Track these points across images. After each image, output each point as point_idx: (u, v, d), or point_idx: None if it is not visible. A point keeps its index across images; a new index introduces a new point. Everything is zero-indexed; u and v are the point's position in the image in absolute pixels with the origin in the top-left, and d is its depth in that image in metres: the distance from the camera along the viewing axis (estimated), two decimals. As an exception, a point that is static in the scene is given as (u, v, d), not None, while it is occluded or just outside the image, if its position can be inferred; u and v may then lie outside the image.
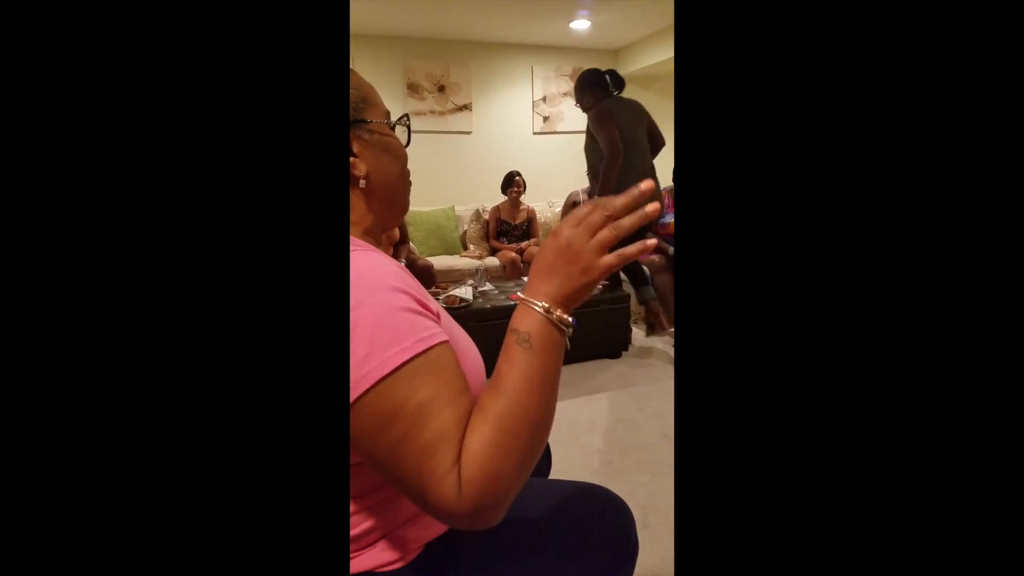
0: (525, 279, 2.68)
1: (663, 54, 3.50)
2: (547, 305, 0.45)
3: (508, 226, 3.50)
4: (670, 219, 2.83)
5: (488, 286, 2.50)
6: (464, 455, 0.41)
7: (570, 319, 0.46)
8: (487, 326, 2.11)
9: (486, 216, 3.61)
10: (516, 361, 0.44)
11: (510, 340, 0.46)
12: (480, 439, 0.42)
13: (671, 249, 2.75)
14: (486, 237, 3.56)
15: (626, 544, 0.67)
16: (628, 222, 0.46)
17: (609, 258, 0.46)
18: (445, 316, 0.55)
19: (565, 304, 0.46)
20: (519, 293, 0.48)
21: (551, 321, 0.45)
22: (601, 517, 0.66)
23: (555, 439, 1.71)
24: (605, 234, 0.46)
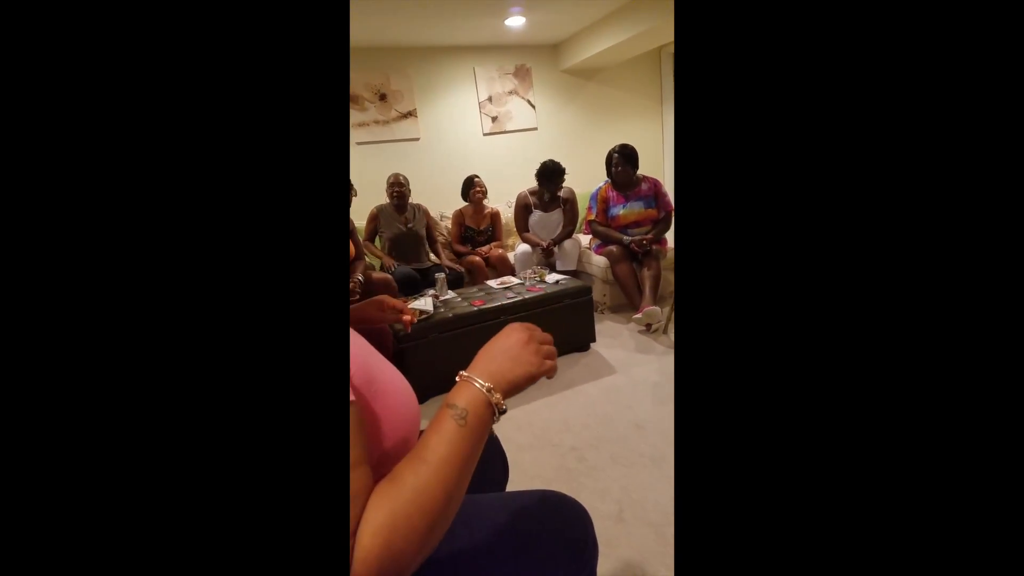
0: (489, 282, 2.68)
1: (601, 45, 3.54)
2: (490, 385, 0.48)
3: (472, 231, 3.39)
4: (618, 211, 2.92)
5: (450, 294, 2.48)
6: (366, 528, 0.39)
7: (504, 406, 0.48)
8: (451, 336, 2.09)
9: (443, 222, 3.56)
10: (447, 435, 0.44)
11: (445, 414, 0.46)
12: (391, 512, 0.39)
13: (625, 239, 2.82)
14: (448, 243, 3.49)
15: (581, 551, 0.66)
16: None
17: (551, 363, 0.54)
18: (367, 364, 0.53)
19: (506, 389, 0.49)
20: (462, 372, 0.50)
21: (489, 402, 0.47)
22: (552, 527, 0.66)
23: (528, 443, 1.72)
24: (552, 349, 0.56)
